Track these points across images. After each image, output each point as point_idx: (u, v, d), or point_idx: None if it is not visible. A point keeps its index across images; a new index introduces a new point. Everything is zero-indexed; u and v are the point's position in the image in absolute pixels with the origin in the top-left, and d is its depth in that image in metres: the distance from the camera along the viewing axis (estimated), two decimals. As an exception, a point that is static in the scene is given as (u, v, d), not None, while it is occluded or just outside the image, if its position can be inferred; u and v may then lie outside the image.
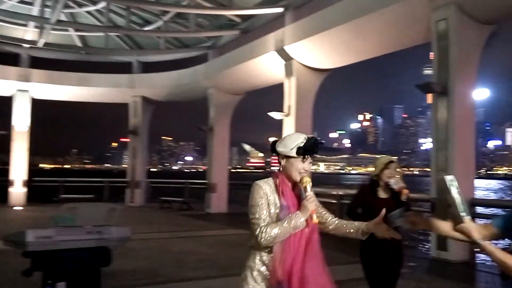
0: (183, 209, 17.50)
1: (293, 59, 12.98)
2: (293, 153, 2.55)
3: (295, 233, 2.43)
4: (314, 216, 2.47)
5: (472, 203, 8.40)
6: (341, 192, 11.85)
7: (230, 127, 17.97)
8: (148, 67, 20.11)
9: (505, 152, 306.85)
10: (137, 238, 9.86)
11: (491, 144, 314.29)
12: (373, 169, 4.28)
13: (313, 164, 2.63)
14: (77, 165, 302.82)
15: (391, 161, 4.16)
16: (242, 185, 21.46)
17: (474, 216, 8.41)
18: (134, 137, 20.02)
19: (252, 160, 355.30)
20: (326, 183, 40.98)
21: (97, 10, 17.67)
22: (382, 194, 4.13)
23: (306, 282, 2.41)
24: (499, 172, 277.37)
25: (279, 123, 13.55)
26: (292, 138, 2.62)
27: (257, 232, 2.41)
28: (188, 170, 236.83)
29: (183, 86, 18.41)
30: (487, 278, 7.46)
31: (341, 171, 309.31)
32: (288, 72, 13.24)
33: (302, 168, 2.56)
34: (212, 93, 17.24)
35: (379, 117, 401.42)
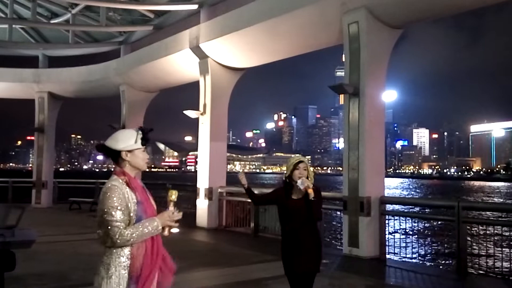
0: (93, 210, 16.41)
1: (208, 57, 12.55)
2: (138, 144, 2.67)
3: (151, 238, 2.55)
4: (168, 230, 2.60)
5: (382, 201, 8.45)
6: (256, 191, 11.48)
7: (143, 124, 17.10)
8: (56, 62, 18.90)
9: (411, 152, 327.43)
10: (43, 241, 9.02)
11: (399, 144, 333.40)
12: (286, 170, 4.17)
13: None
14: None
15: (300, 161, 4.03)
16: (155, 185, 20.68)
17: (384, 213, 8.48)
18: (40, 134, 18.67)
19: (167, 160, 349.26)
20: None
21: (1, 1, 16.65)
22: (295, 195, 4.02)
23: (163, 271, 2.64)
24: (406, 170, 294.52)
25: (195, 121, 13.16)
26: (127, 132, 2.71)
27: (116, 235, 2.45)
28: (98, 170, 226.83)
29: (93, 82, 17.41)
30: (396, 273, 7.56)
31: (257, 171, 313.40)
32: (203, 70, 12.79)
33: (146, 158, 2.72)
34: (124, 90, 16.42)
35: (294, 117, 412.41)
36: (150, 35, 15.47)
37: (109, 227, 2.46)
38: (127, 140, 2.67)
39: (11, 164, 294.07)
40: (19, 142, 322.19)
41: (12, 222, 4.53)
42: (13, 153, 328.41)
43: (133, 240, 2.48)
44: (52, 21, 17.00)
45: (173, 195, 2.64)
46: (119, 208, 2.48)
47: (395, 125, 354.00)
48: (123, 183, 2.58)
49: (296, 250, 3.93)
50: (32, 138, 19.80)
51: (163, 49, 13.81)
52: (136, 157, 2.67)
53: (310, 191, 3.85)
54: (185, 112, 12.88)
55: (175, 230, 2.63)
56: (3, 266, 4.37)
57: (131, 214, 2.53)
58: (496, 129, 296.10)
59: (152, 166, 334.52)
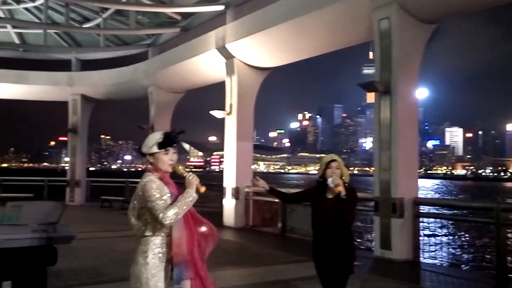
0: (124, 208, 16.43)
1: (235, 57, 12.26)
2: (155, 149, 2.84)
3: (187, 217, 2.80)
4: (200, 187, 2.83)
5: (415, 203, 7.96)
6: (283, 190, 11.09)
7: (171, 125, 17.05)
8: (87, 65, 19.18)
9: (444, 152, 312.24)
10: (79, 238, 8.83)
11: (430, 144, 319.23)
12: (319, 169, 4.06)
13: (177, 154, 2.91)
14: (15, 164, 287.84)
15: (332, 160, 3.90)
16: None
17: (418, 215, 7.95)
18: (73, 135, 18.93)
19: (191, 159, 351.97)
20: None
21: (35, 7, 16.91)
22: (329, 194, 3.87)
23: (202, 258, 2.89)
24: (438, 171, 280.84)
25: (219, 122, 12.96)
26: (151, 137, 2.89)
27: (160, 216, 2.67)
28: (126, 169, 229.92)
29: (123, 84, 17.44)
30: (431, 277, 7.03)
31: (281, 171, 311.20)
32: (229, 70, 12.50)
33: (168, 160, 2.86)
34: (152, 91, 16.35)
35: (319, 116, 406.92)
36: (177, 36, 15.39)
37: (154, 212, 2.68)
38: (148, 144, 2.86)
39: (44, 163, 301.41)
40: (52, 143, 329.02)
41: (54, 219, 4.63)
42: (47, 153, 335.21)
43: (179, 216, 2.70)
44: (84, 26, 17.20)
45: (180, 168, 2.83)
46: (158, 196, 2.71)
47: (426, 124, 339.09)
48: (157, 178, 2.79)
49: (329, 250, 3.80)
50: (64, 138, 20.41)
51: (189, 50, 13.66)
52: (157, 159, 2.84)
53: (340, 188, 3.70)
54: (212, 112, 12.65)
55: (200, 187, 2.83)
56: (46, 260, 4.50)
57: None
58: None
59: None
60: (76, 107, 18.67)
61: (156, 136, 2.85)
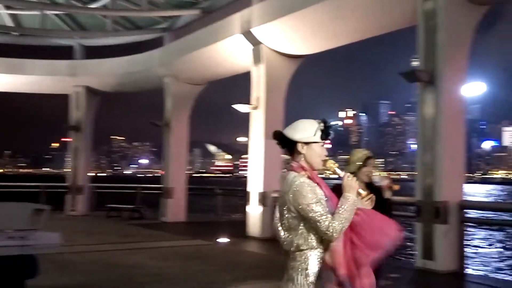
0: (133, 217, 17.36)
1: (262, 43, 12.94)
2: (317, 137, 2.83)
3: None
4: (361, 191, 2.85)
5: (461, 207, 8.57)
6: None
7: (190, 122, 17.83)
8: (93, 52, 19.67)
9: (502, 154, 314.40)
10: (77, 251, 9.78)
11: (487, 144, 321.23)
12: (348, 166, 4.27)
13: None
14: (11, 169, 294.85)
15: (369, 157, 4.20)
16: (203, 191, 21.40)
17: (464, 220, 8.58)
18: (76, 134, 19.56)
19: (218, 163, 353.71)
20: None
21: None
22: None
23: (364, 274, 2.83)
24: (495, 175, 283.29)
25: (249, 120, 13.49)
26: (307, 122, 2.88)
27: (328, 228, 2.65)
28: (142, 175, 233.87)
29: (135, 74, 18.10)
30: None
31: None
32: (256, 58, 13.20)
33: (324, 154, 2.87)
34: (168, 82, 17.05)
35: (363, 114, 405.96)
36: (197, 20, 15.89)
37: (318, 224, 2.66)
38: (305, 130, 2.84)
39: (46, 168, 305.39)
40: (55, 145, 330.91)
41: (35, 223, 4.68)
42: (49, 156, 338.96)
43: (345, 225, 2.69)
44: (88, 6, 17.40)
45: (332, 164, 2.87)
46: (317, 202, 2.68)
47: (483, 122, 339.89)
48: (307, 179, 2.77)
49: None
50: (68, 139, 20.53)
51: (211, 35, 14.30)
52: (312, 150, 2.84)
53: (396, 187, 4.01)
54: (235, 106, 13.26)
55: (362, 191, 2.88)
56: (25, 271, 4.43)
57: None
58: None
59: (203, 170, 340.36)
60: (79, 100, 19.27)
61: (314, 123, 2.86)
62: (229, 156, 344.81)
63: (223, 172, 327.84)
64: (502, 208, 9.66)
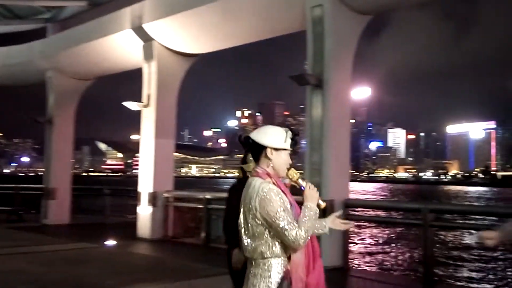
0: (11, 220, 16.60)
1: (154, 39, 12.89)
2: (287, 144, 2.87)
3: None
4: (321, 202, 2.85)
5: (346, 205, 9.07)
6: (208, 196, 12.02)
7: (78, 119, 17.45)
8: None
9: (387, 154, 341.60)
10: None
11: (373, 145, 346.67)
12: (248, 166, 4.27)
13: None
14: None
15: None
16: (91, 191, 20.78)
17: (348, 218, 9.15)
18: None
19: (108, 162, 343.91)
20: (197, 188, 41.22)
21: None
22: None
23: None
24: (380, 174, 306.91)
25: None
26: (277, 129, 2.90)
27: (295, 236, 2.66)
28: (23, 174, 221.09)
29: (14, 67, 17.35)
30: (359, 283, 8.20)
31: (216, 174, 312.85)
32: (147, 55, 13.12)
33: (288, 162, 2.89)
34: (51, 76, 16.53)
35: (259, 114, 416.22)
36: (84, 12, 15.34)
37: (285, 233, 2.67)
38: (275, 136, 2.86)
39: None
40: None
41: None
42: None
43: (309, 234, 2.72)
44: None
45: (294, 174, 2.89)
46: (284, 210, 2.69)
47: (370, 124, 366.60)
48: (274, 186, 2.77)
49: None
50: None
51: (99, 28, 13.98)
52: (280, 157, 2.86)
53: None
54: (125, 103, 13.10)
55: (321, 202, 2.87)
56: None
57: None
58: (475, 130, 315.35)
59: (92, 169, 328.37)
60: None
61: (281, 131, 2.89)
62: (121, 155, 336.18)
63: (114, 171, 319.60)
64: (381, 206, 10.43)
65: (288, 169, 2.88)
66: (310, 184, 2.87)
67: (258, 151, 2.89)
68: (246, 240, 2.82)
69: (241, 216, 2.86)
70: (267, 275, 2.75)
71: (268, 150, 2.85)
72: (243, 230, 2.84)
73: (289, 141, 2.86)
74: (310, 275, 2.83)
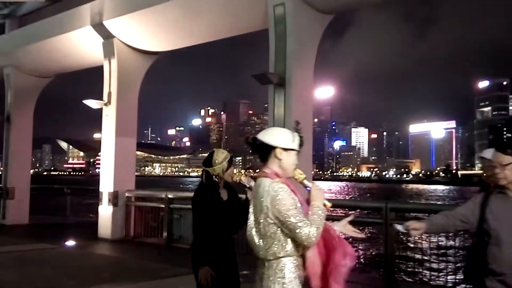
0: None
1: (115, 37, 12.77)
2: (296, 145, 2.90)
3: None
4: (327, 202, 2.87)
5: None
6: (170, 195, 11.95)
7: (38, 117, 17.28)
8: None
9: (350, 153, 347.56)
10: None
11: (337, 144, 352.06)
12: (214, 167, 4.26)
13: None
14: None
15: (231, 157, 4.33)
16: (51, 190, 20.40)
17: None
18: None
19: (70, 161, 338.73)
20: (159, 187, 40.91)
21: None
22: (224, 196, 4.30)
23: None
24: (344, 173, 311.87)
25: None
26: (284, 130, 2.97)
27: (308, 234, 2.68)
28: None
29: (-31, 63, 16.84)
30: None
31: (180, 174, 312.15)
32: (108, 52, 13.00)
33: (295, 163, 2.92)
34: (9, 73, 16.27)
35: (223, 112, 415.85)
36: (43, 8, 15.22)
37: (297, 230, 2.68)
38: (284, 137, 2.90)
39: None
40: None
41: None
42: None
43: (320, 231, 2.73)
44: None
45: (300, 174, 2.92)
46: (295, 207, 2.72)
47: (333, 123, 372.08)
48: (284, 185, 2.79)
49: (213, 258, 4.12)
50: None
51: (59, 25, 13.79)
52: (289, 157, 2.89)
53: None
54: (86, 102, 12.97)
55: (327, 202, 2.89)
56: None
57: None
58: (436, 129, 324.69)
59: (52, 168, 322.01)
60: None
61: (288, 132, 2.95)
62: (83, 153, 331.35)
63: (76, 170, 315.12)
64: (343, 205, 10.54)
65: (294, 170, 2.93)
66: (316, 184, 2.92)
67: (266, 152, 2.91)
68: (258, 241, 2.83)
69: (251, 217, 2.89)
70: (281, 275, 2.76)
71: (277, 151, 2.87)
72: (254, 230, 2.86)
73: (297, 141, 2.91)
74: (334, 255, 2.84)
